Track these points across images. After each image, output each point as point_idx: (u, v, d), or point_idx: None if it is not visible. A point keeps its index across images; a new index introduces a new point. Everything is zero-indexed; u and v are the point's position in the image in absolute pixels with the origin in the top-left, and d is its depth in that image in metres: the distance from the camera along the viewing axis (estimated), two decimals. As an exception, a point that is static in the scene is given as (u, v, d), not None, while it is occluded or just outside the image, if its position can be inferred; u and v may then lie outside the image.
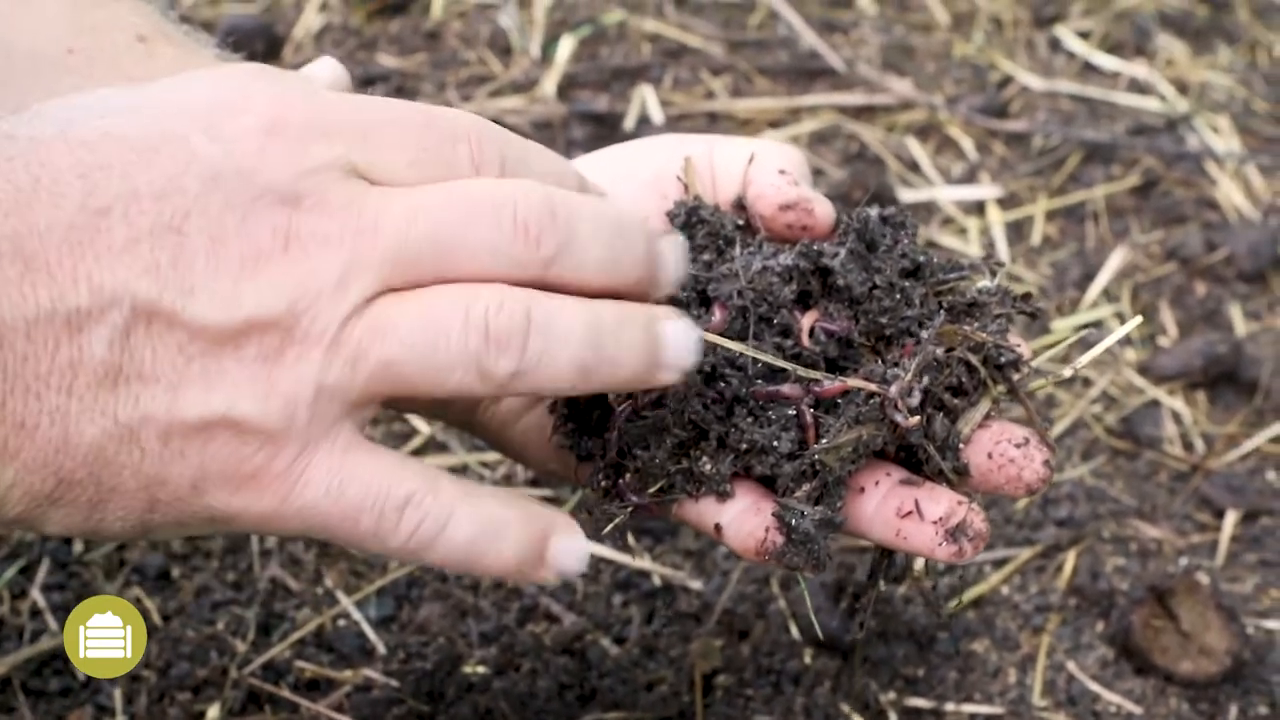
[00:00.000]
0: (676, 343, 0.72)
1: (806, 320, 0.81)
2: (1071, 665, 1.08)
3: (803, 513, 0.77)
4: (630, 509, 0.80)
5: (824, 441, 0.77)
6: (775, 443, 0.78)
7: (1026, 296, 0.84)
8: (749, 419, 0.79)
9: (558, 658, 1.05)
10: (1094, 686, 1.06)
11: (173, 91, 0.68)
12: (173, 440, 0.66)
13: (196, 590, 1.09)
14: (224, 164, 0.65)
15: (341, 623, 1.07)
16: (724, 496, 0.80)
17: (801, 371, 0.78)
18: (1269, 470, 1.23)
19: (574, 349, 0.68)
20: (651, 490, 0.80)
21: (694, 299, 0.82)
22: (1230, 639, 1.07)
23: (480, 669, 1.04)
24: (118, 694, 1.01)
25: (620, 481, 0.81)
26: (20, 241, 0.63)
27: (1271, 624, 1.11)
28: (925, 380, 0.78)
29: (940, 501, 0.78)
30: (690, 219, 0.85)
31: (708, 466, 0.79)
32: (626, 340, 0.69)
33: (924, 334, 0.80)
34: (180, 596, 1.08)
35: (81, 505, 0.66)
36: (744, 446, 0.79)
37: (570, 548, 0.72)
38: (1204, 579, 1.13)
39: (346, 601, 1.08)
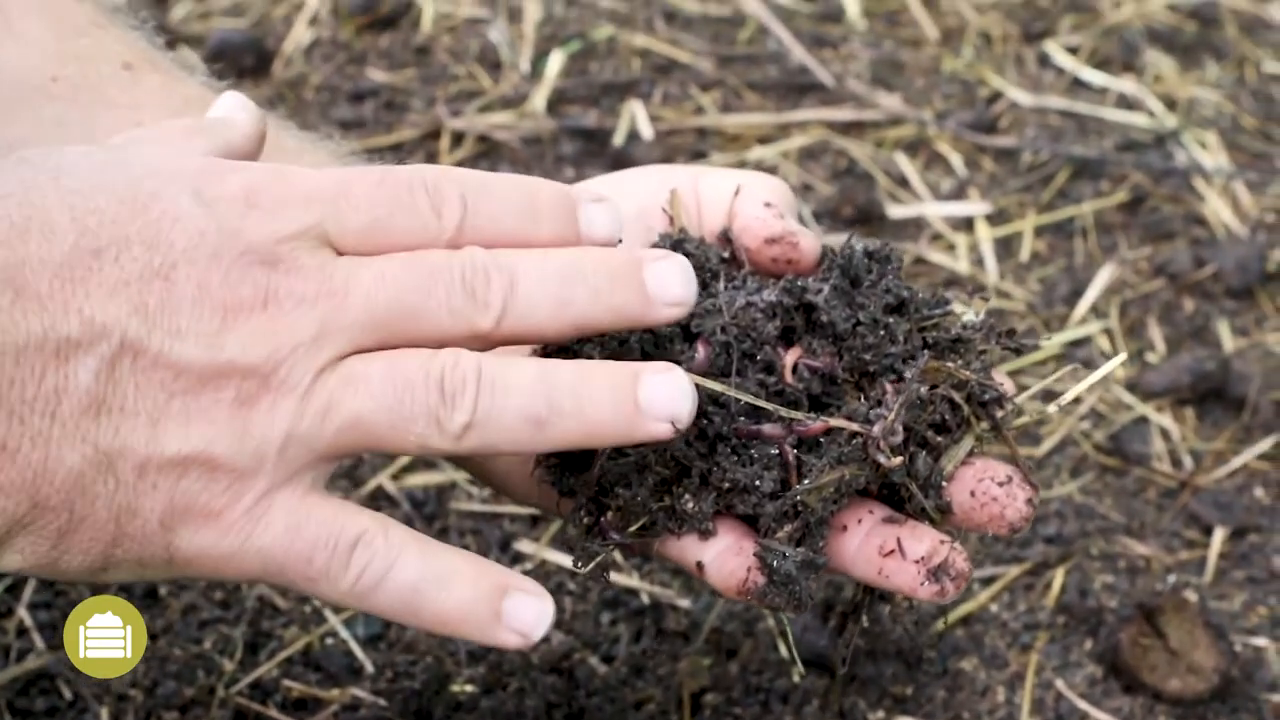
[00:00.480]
0: (659, 395, 0.72)
1: (790, 357, 0.81)
2: (1060, 683, 1.08)
3: (784, 554, 0.77)
4: (612, 547, 0.80)
5: (806, 482, 0.77)
6: (758, 482, 0.78)
7: (1010, 333, 0.84)
8: (732, 457, 0.79)
9: (545, 676, 1.05)
10: (1082, 705, 1.06)
11: (156, 158, 0.72)
12: (148, 473, 0.68)
13: (184, 609, 1.08)
14: (209, 224, 0.69)
15: (329, 641, 1.07)
16: (706, 535, 0.80)
17: (784, 412, 0.78)
18: (1257, 487, 1.23)
19: (521, 401, 0.70)
20: (633, 528, 0.80)
21: (677, 334, 0.82)
22: (1218, 657, 1.07)
23: (468, 688, 1.04)
24: (105, 713, 1.01)
25: (602, 520, 0.81)
26: (12, 272, 0.66)
27: (1260, 641, 1.11)
28: (908, 418, 0.78)
29: (923, 540, 0.78)
30: (675, 251, 0.85)
31: (690, 505, 0.79)
32: (588, 394, 0.71)
33: (907, 372, 0.80)
34: (167, 615, 1.08)
35: (49, 534, 0.68)
36: (726, 485, 0.79)
37: (529, 605, 0.73)
38: (1192, 596, 1.13)
39: (334, 620, 1.08)
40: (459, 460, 0.88)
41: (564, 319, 0.72)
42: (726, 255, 0.87)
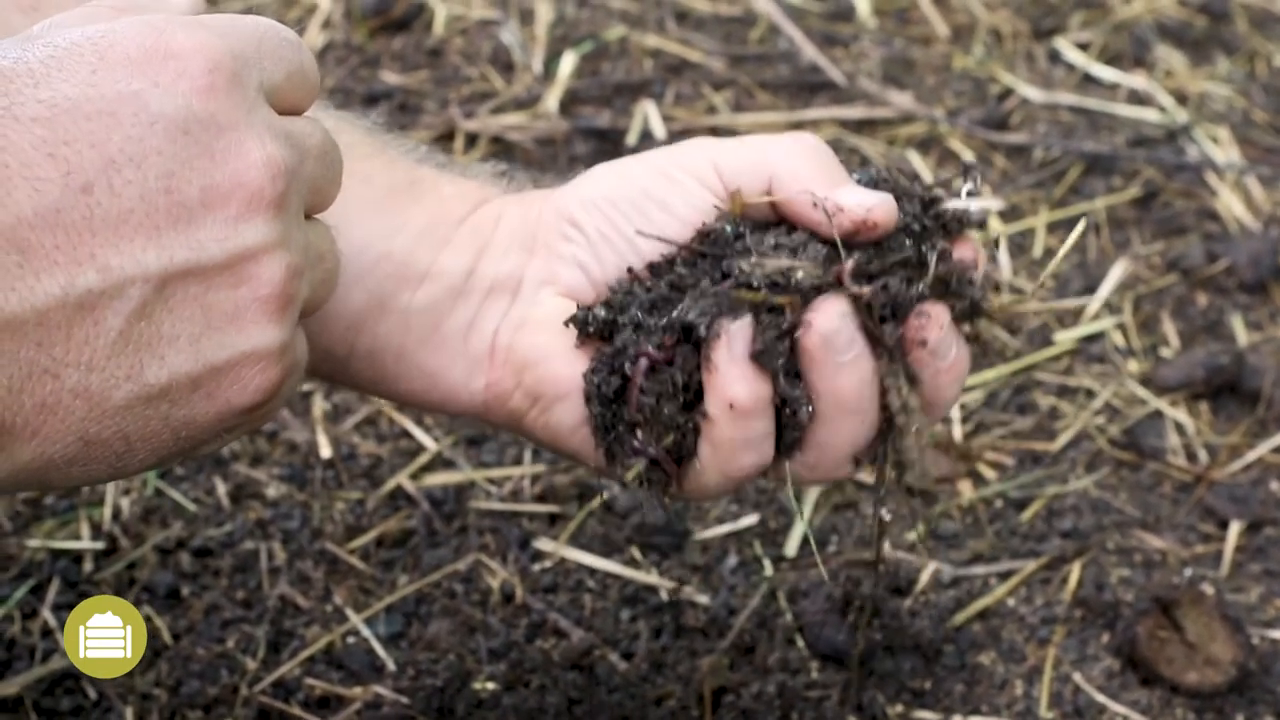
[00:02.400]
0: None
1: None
2: (1078, 676, 1.08)
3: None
4: (646, 460, 0.81)
5: (753, 259, 0.79)
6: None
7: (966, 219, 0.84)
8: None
9: (566, 673, 1.05)
10: (1100, 698, 1.07)
11: (94, 50, 0.66)
12: (201, 384, 0.67)
13: (206, 609, 1.09)
14: (185, 114, 0.66)
15: (351, 640, 1.08)
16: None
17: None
18: (1272, 480, 1.24)
19: None
20: (665, 443, 0.81)
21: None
22: (1236, 649, 1.07)
23: (489, 685, 1.05)
24: (129, 713, 1.02)
25: (634, 439, 0.82)
26: (11, 232, 0.63)
27: (1277, 634, 1.12)
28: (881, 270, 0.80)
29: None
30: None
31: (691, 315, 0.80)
32: None
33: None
34: (190, 615, 1.09)
35: (107, 459, 0.67)
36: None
37: None
38: (1209, 589, 1.14)
39: (356, 619, 1.09)
40: (520, 434, 0.88)
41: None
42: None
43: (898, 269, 0.81)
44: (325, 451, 1.20)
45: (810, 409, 0.80)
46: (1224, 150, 1.53)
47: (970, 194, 0.85)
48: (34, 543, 1.12)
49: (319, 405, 1.24)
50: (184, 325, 0.66)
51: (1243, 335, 1.35)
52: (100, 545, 1.12)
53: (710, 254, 0.83)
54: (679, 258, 0.84)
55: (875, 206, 0.81)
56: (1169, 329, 1.36)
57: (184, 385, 0.67)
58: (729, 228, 0.83)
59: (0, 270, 0.63)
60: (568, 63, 1.57)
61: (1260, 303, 1.39)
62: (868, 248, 0.81)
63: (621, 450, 0.83)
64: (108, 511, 1.14)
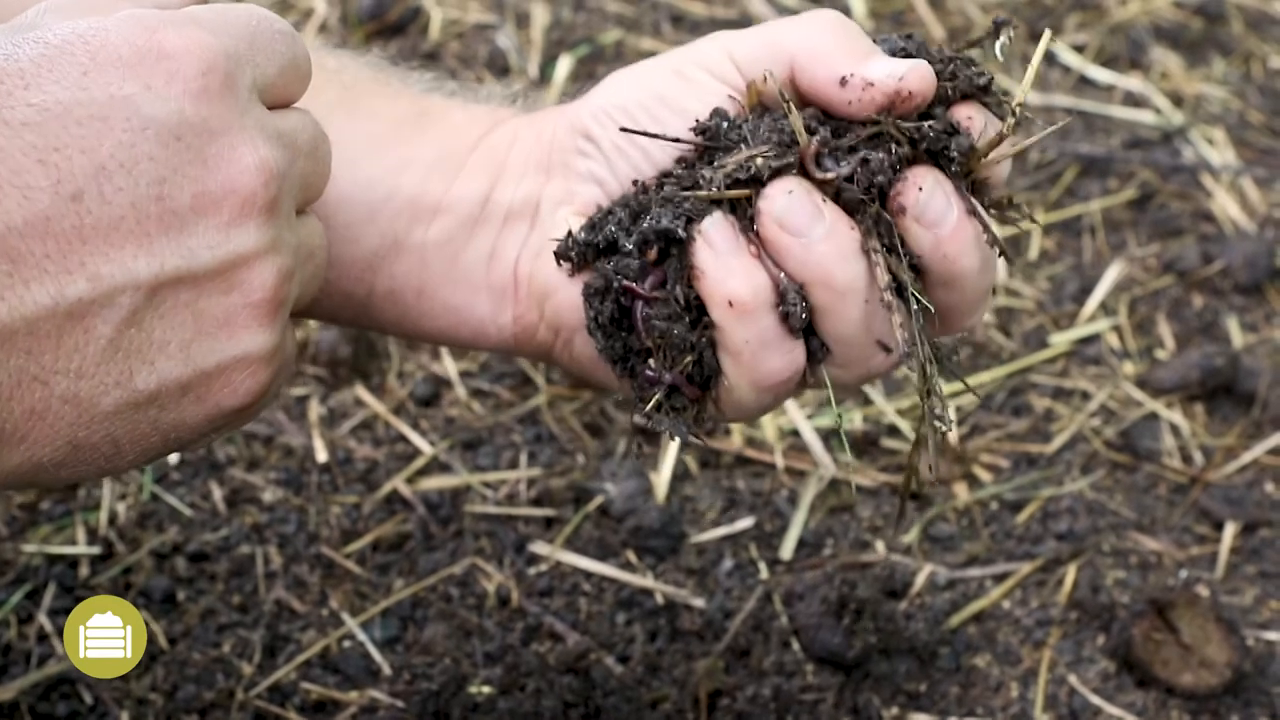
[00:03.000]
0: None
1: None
2: (1073, 679, 1.08)
3: None
4: (665, 388, 0.77)
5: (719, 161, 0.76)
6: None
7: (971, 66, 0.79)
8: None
9: (562, 677, 1.05)
10: (1095, 700, 1.07)
11: (87, 52, 0.65)
12: (191, 389, 0.67)
13: (202, 613, 1.09)
14: (176, 119, 0.65)
15: (347, 644, 1.08)
16: None
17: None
18: (1268, 482, 1.24)
19: None
20: (682, 366, 0.77)
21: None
22: (1231, 651, 1.07)
23: (485, 689, 1.05)
24: (125, 717, 1.02)
25: (648, 368, 0.78)
26: (1, 241, 0.62)
27: (1272, 635, 1.12)
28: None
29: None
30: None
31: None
32: None
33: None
34: (186, 620, 1.09)
35: (97, 460, 0.67)
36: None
37: None
38: (1204, 591, 1.14)
39: (351, 623, 1.09)
40: (550, 364, 0.86)
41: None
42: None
43: (882, 140, 0.76)
44: (321, 456, 1.20)
45: (803, 302, 0.75)
46: (1219, 152, 1.53)
47: (1003, 48, 0.79)
48: (30, 548, 1.12)
49: (315, 409, 1.24)
50: (174, 331, 0.66)
51: (1238, 337, 1.35)
52: (96, 550, 1.12)
53: (708, 150, 0.79)
54: (682, 160, 0.79)
55: (908, 74, 0.75)
56: (1164, 331, 1.36)
57: (174, 390, 0.67)
58: (723, 122, 0.78)
59: None
60: (564, 66, 1.58)
61: (1255, 304, 1.39)
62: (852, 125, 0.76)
63: (637, 381, 0.79)
64: (103, 516, 1.15)
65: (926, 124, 0.76)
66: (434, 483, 1.19)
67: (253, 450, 1.21)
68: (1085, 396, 1.30)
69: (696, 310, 0.77)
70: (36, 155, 0.63)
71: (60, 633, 1.07)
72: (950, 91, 0.78)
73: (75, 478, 0.68)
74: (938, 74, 0.78)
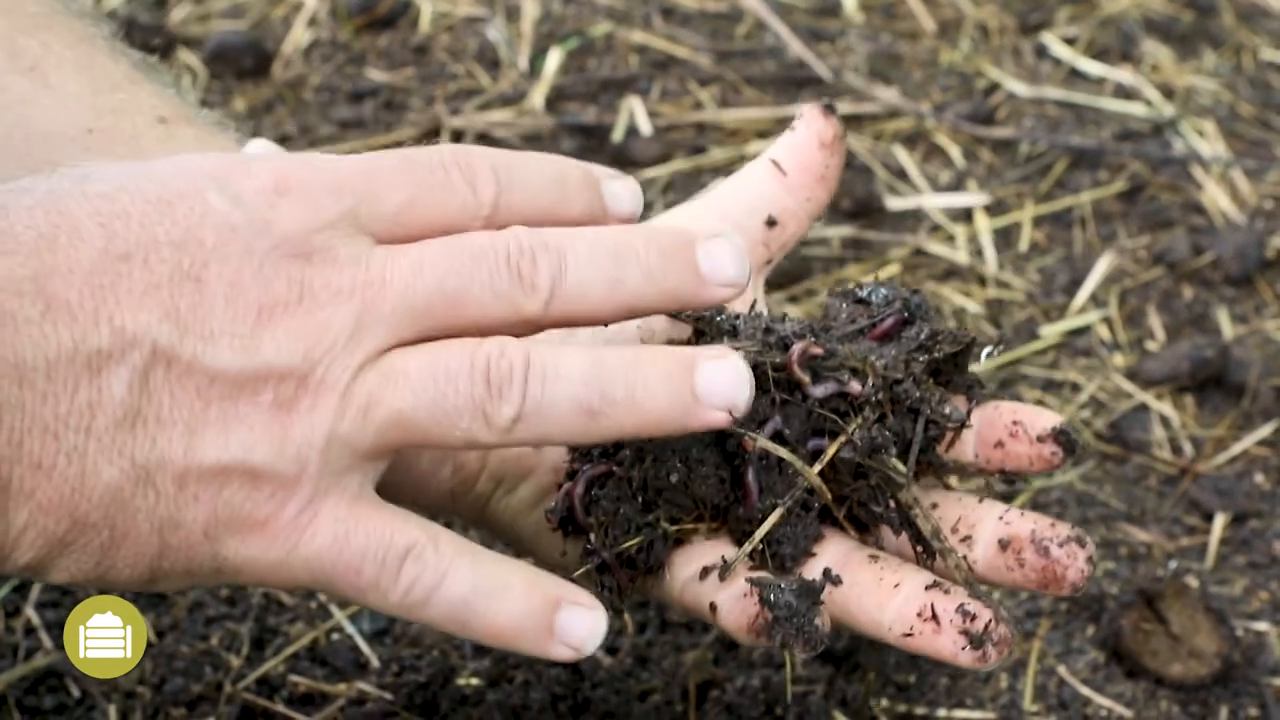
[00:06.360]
0: (718, 382, 0.70)
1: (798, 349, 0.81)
2: (1062, 669, 1.08)
3: (780, 585, 0.76)
4: (598, 562, 0.80)
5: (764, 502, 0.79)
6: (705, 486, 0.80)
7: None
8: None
9: (550, 669, 1.05)
10: (1085, 690, 1.07)
11: (180, 160, 0.70)
12: (188, 484, 0.67)
13: (190, 606, 1.09)
14: (239, 218, 0.67)
15: (335, 636, 1.08)
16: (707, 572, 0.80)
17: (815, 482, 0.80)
18: (1257, 473, 1.24)
19: (573, 390, 0.68)
20: (620, 547, 0.79)
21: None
22: (1220, 641, 1.07)
23: (474, 681, 1.05)
24: (112, 710, 1.02)
25: (588, 542, 0.81)
26: (41, 283, 0.64)
27: (1261, 626, 1.12)
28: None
29: (960, 603, 0.77)
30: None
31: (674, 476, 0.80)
32: (643, 381, 0.69)
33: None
34: (174, 612, 1.09)
35: (93, 550, 0.67)
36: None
37: (582, 619, 0.72)
38: (1193, 582, 1.14)
39: (340, 615, 1.09)
40: (485, 522, 0.88)
41: (616, 300, 0.70)
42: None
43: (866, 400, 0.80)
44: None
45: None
46: (1210, 144, 1.53)
47: (989, 355, 0.86)
48: (18, 541, 1.12)
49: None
50: (181, 412, 0.66)
51: (1228, 328, 1.35)
52: (84, 543, 1.12)
53: (697, 333, 0.83)
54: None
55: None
56: (1154, 322, 1.36)
57: (171, 477, 0.67)
58: (718, 314, 0.83)
59: (22, 318, 0.64)
60: (554, 59, 1.57)
61: (1246, 296, 1.39)
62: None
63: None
64: (92, 509, 1.14)
65: (916, 393, 0.82)
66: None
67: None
68: (1075, 388, 1.29)
69: (654, 494, 0.80)
70: (99, 220, 0.66)
71: (48, 626, 1.07)
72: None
73: (76, 569, 0.67)
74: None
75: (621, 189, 0.75)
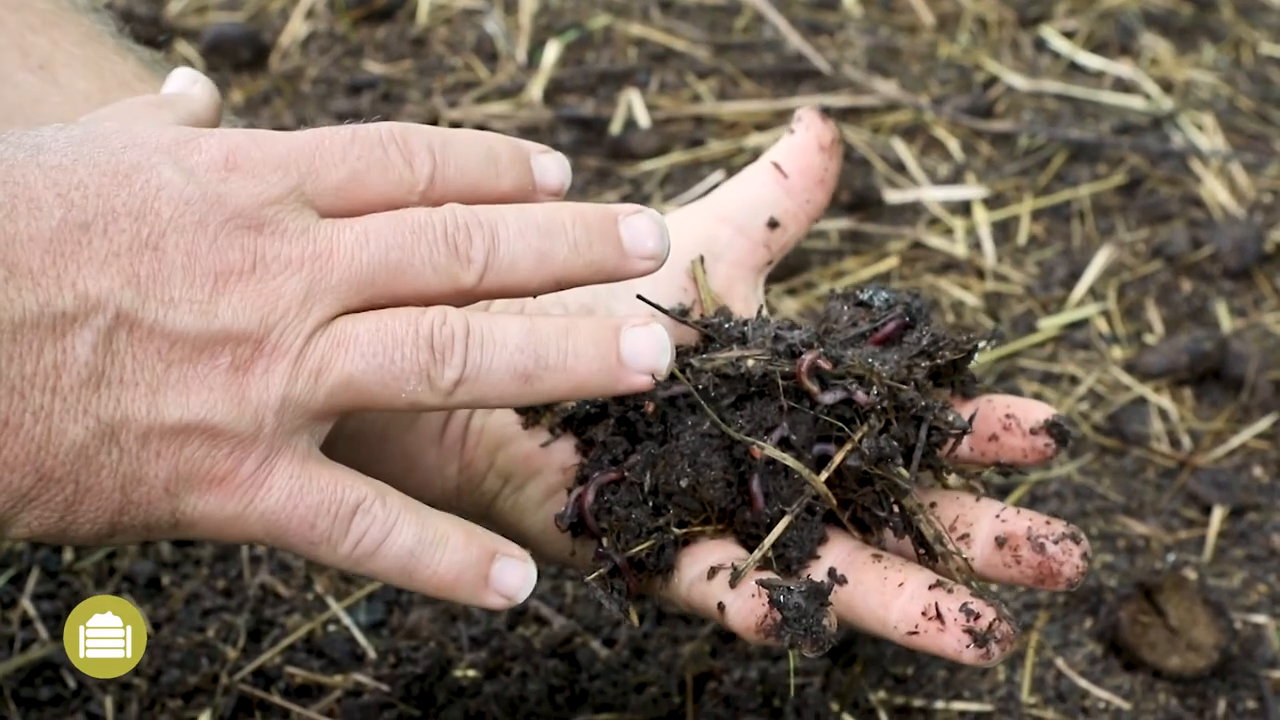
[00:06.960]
0: (641, 348, 0.74)
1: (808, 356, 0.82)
2: (1060, 662, 1.08)
3: (789, 587, 0.77)
4: (610, 565, 0.82)
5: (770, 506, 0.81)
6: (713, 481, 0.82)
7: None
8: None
9: (548, 660, 1.05)
10: (1083, 683, 1.07)
11: (130, 132, 0.72)
12: (151, 441, 0.70)
13: (187, 597, 1.09)
14: (192, 191, 0.70)
15: (332, 628, 1.08)
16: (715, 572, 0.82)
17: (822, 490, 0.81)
18: (1255, 466, 1.23)
19: (509, 356, 0.72)
20: (631, 550, 0.81)
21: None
22: (1218, 634, 1.07)
23: (470, 672, 1.04)
24: (109, 701, 1.01)
25: (600, 545, 0.83)
26: (3, 251, 0.67)
27: (1259, 618, 1.12)
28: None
29: (964, 601, 0.78)
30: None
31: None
32: (573, 348, 0.73)
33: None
34: (170, 604, 1.08)
35: (57, 505, 0.69)
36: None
37: (515, 570, 0.76)
38: (1191, 575, 1.13)
39: (336, 607, 1.09)
40: (491, 519, 0.89)
41: (545, 273, 0.74)
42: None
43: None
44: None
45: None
46: (1209, 137, 1.53)
47: (982, 349, 0.86)
48: (14, 532, 1.12)
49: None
50: (144, 374, 0.69)
51: (1226, 321, 1.35)
52: (80, 534, 1.12)
53: (706, 339, 0.85)
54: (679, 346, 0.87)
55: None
56: (1153, 315, 1.36)
57: (134, 435, 0.69)
58: (725, 321, 0.85)
59: None
60: (552, 51, 1.57)
61: (1244, 289, 1.39)
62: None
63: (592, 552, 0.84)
64: (88, 501, 1.14)
65: (920, 404, 0.83)
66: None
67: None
68: (1074, 381, 1.29)
69: (664, 499, 0.82)
70: (57, 190, 0.68)
71: (44, 617, 1.06)
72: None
73: (38, 525, 0.70)
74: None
75: (550, 163, 0.78)
